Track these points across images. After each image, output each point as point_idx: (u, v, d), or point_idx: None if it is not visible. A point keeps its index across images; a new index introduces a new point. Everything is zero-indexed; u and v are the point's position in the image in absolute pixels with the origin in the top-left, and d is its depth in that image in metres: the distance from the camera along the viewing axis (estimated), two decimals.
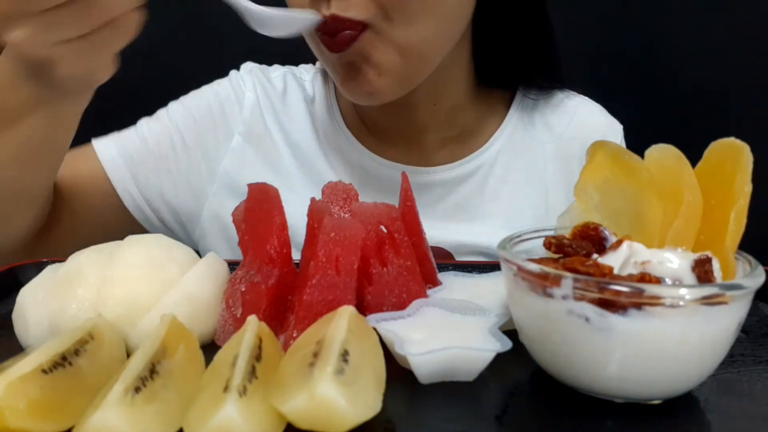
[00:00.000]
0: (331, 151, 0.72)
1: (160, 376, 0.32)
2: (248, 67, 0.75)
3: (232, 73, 0.75)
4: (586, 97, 0.77)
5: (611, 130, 0.75)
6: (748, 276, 0.33)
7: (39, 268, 0.46)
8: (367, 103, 0.62)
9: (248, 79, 0.73)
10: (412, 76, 0.60)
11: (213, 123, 0.71)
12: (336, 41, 0.56)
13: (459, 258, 0.68)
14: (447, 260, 0.63)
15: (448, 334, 0.38)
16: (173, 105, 0.73)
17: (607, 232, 0.38)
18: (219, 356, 0.35)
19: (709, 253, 0.34)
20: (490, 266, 0.55)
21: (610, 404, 0.34)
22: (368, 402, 0.30)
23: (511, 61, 0.69)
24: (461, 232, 0.69)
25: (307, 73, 0.76)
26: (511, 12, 0.65)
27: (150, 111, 0.74)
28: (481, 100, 0.72)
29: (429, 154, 0.71)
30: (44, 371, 0.31)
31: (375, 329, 0.38)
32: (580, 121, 0.74)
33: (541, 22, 0.68)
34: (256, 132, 0.71)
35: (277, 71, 0.76)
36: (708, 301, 0.31)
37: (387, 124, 0.71)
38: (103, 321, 0.38)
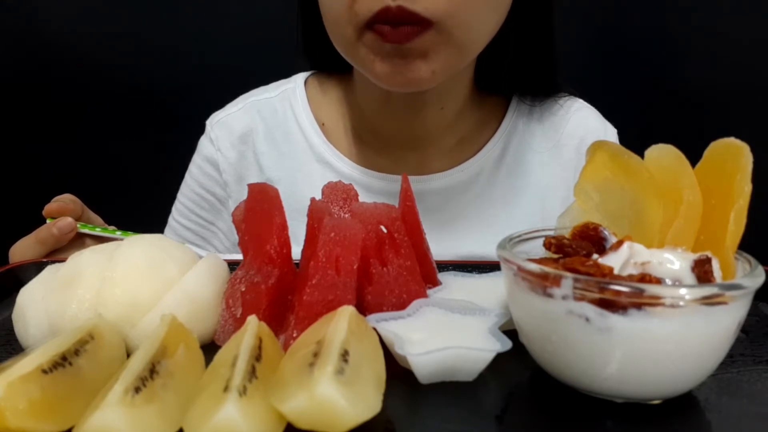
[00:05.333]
0: (315, 169, 0.72)
1: (160, 376, 0.32)
2: (210, 124, 0.77)
3: (202, 141, 0.77)
4: (582, 101, 0.76)
5: (605, 133, 0.75)
6: (748, 276, 0.33)
7: (39, 268, 0.47)
8: (407, 90, 0.59)
9: (214, 138, 0.75)
10: (457, 69, 0.60)
11: (210, 204, 0.77)
12: (398, 32, 0.52)
13: None
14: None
15: (448, 334, 0.38)
16: (174, 210, 0.79)
17: (606, 233, 0.38)
18: (219, 356, 0.35)
19: (709, 253, 0.34)
20: (490, 266, 0.55)
21: (610, 404, 0.34)
22: (368, 402, 0.30)
23: (511, 69, 0.69)
24: (456, 241, 0.69)
25: (276, 89, 0.77)
26: (520, 21, 0.64)
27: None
28: (479, 107, 0.73)
29: (426, 163, 0.71)
30: (44, 371, 0.31)
31: (375, 329, 0.38)
32: (575, 126, 0.74)
33: (548, 32, 0.68)
34: (240, 185, 0.75)
35: (237, 106, 0.76)
36: (708, 301, 0.31)
37: (391, 130, 0.70)
38: (103, 321, 0.38)
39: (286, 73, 0.79)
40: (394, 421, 0.33)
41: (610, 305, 0.31)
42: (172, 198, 0.80)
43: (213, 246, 0.78)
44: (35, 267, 0.53)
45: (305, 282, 0.40)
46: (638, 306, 0.31)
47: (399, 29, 0.52)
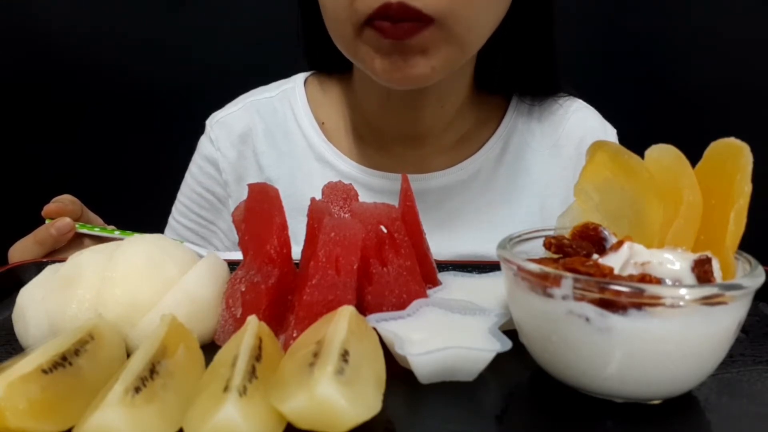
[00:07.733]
0: (315, 168, 0.72)
1: (160, 376, 0.32)
2: (210, 124, 0.76)
3: (201, 141, 0.77)
4: (582, 101, 0.77)
5: (605, 133, 0.75)
6: (748, 276, 0.33)
7: (39, 268, 0.47)
8: (407, 87, 0.59)
9: (214, 138, 0.75)
10: (457, 65, 0.59)
11: (210, 204, 0.77)
12: (398, 28, 0.52)
13: None
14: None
15: (448, 334, 0.38)
16: (174, 210, 0.79)
17: (606, 233, 0.38)
18: (219, 356, 0.35)
19: (709, 253, 0.34)
20: (490, 266, 0.55)
21: (610, 404, 0.34)
22: (368, 402, 0.30)
23: (508, 68, 0.69)
24: (456, 239, 0.69)
25: (276, 89, 0.77)
26: (521, 22, 0.64)
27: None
28: (479, 106, 0.73)
29: (426, 161, 0.71)
30: (44, 371, 0.31)
31: (375, 329, 0.38)
32: (574, 126, 0.74)
33: (547, 32, 0.68)
34: (240, 184, 0.75)
35: (236, 106, 0.76)
36: (708, 301, 0.31)
37: (391, 128, 0.70)
38: (103, 321, 0.38)
39: (286, 73, 0.79)
40: (394, 421, 0.33)
41: (610, 305, 0.31)
42: (172, 198, 0.80)
43: (213, 246, 0.78)
44: (35, 267, 0.53)
45: (305, 282, 0.40)
46: (638, 306, 0.31)
47: (399, 25, 0.52)
